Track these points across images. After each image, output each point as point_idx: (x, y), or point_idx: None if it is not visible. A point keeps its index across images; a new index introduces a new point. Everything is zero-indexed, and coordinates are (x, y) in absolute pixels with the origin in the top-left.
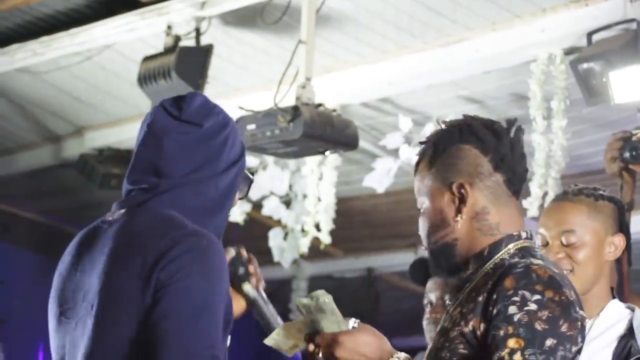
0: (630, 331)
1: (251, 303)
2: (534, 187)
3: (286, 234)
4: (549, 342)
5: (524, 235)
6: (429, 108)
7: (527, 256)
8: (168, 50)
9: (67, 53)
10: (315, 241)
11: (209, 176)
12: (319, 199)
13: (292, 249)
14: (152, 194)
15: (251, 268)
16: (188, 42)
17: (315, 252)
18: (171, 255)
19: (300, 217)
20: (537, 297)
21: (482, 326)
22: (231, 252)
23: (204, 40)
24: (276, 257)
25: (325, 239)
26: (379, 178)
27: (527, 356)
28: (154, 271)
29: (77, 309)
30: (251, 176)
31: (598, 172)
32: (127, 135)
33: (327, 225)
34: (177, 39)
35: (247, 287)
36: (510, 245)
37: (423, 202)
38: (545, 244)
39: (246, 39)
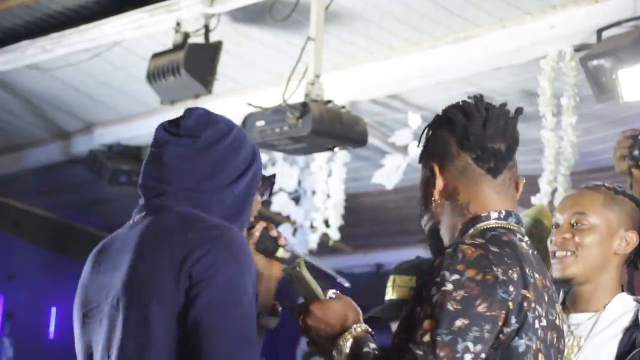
0: (635, 323)
1: (288, 262)
2: (543, 183)
3: (295, 230)
4: (459, 322)
5: (494, 215)
6: (438, 105)
7: (481, 237)
8: (177, 47)
9: (77, 50)
10: (324, 237)
11: (223, 185)
12: (328, 196)
13: (301, 245)
14: (170, 201)
15: (281, 240)
16: (197, 39)
17: (324, 248)
18: (201, 250)
19: (309, 214)
20: (456, 277)
21: (417, 309)
22: (259, 226)
23: (213, 37)
24: None
25: (334, 235)
26: (388, 174)
27: (435, 337)
28: (185, 265)
29: (100, 307)
30: (272, 179)
31: (608, 169)
32: (136, 131)
33: (336, 221)
34: (186, 35)
35: (281, 251)
36: (478, 226)
37: None
38: (557, 226)
39: (255, 36)
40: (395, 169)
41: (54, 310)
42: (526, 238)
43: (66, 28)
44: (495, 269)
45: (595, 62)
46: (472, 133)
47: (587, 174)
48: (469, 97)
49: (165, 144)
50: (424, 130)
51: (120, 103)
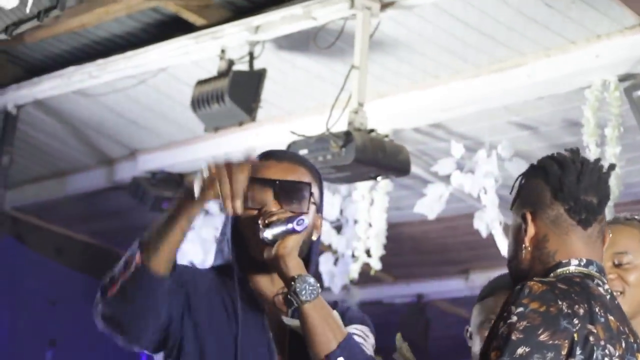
0: None
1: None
2: None
3: (337, 259)
4: (520, 350)
5: (574, 262)
6: (482, 134)
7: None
8: (222, 74)
9: (122, 76)
10: (366, 267)
11: None
12: (370, 225)
13: (343, 275)
14: None
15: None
16: (241, 66)
17: (365, 277)
18: None
19: (351, 243)
20: (520, 309)
21: (488, 344)
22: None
23: (258, 64)
24: (326, 283)
25: (376, 264)
26: (430, 204)
27: None
28: None
29: None
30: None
31: None
32: (179, 158)
33: (377, 251)
34: (231, 62)
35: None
36: (558, 272)
37: None
38: None
39: (299, 63)
40: (437, 198)
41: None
42: (607, 286)
43: (112, 54)
44: (560, 303)
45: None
46: (566, 185)
47: (631, 205)
48: (565, 150)
49: None
50: (517, 179)
51: (164, 130)
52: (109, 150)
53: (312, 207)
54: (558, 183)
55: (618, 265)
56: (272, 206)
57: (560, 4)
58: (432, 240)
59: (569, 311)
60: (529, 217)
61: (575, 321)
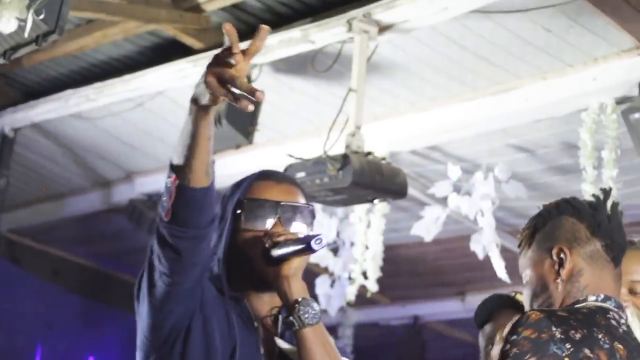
0: None
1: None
2: None
3: (333, 282)
4: None
5: (592, 298)
6: (479, 156)
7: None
8: None
9: (120, 99)
10: (362, 289)
11: None
12: (367, 247)
13: (339, 297)
14: None
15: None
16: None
17: (362, 299)
18: None
19: (348, 265)
20: (514, 337)
21: None
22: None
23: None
24: (323, 305)
25: (373, 286)
26: (427, 226)
27: None
28: None
29: None
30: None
31: None
32: None
33: (374, 273)
34: None
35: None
36: (577, 306)
37: (526, 274)
38: None
39: (297, 86)
40: (434, 220)
41: (91, 359)
42: (623, 320)
43: (110, 78)
44: (553, 329)
45: (636, 115)
46: (601, 221)
47: (628, 227)
48: (592, 196)
49: None
50: (535, 221)
51: (161, 152)
52: (105, 173)
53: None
54: (594, 220)
55: (633, 292)
56: (279, 227)
57: (558, 27)
58: (429, 262)
59: (562, 337)
60: (567, 253)
61: (568, 345)
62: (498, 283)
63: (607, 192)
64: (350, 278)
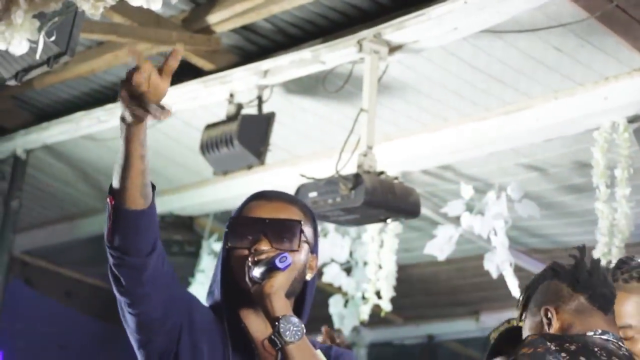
0: None
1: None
2: (597, 255)
3: (347, 301)
4: None
5: (590, 333)
6: (491, 176)
7: None
8: (230, 118)
9: None
10: (376, 308)
11: None
12: (380, 266)
13: (353, 316)
14: None
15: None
16: (250, 110)
17: (376, 318)
18: None
19: (361, 284)
20: (513, 357)
21: None
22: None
23: (266, 108)
24: (336, 324)
25: (386, 306)
26: (440, 245)
27: None
28: None
29: None
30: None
31: None
32: (188, 201)
33: (387, 292)
34: (240, 107)
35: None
36: None
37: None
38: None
39: (308, 107)
40: (447, 240)
41: None
42: (624, 349)
43: None
44: (548, 344)
45: None
46: (581, 277)
47: None
48: (570, 256)
49: None
50: (527, 290)
51: (173, 173)
52: None
53: (305, 246)
54: (573, 278)
55: (624, 338)
56: (263, 245)
57: (569, 47)
58: (442, 281)
59: (557, 348)
60: (553, 312)
61: (563, 354)
62: (512, 302)
63: (582, 250)
64: (363, 297)
